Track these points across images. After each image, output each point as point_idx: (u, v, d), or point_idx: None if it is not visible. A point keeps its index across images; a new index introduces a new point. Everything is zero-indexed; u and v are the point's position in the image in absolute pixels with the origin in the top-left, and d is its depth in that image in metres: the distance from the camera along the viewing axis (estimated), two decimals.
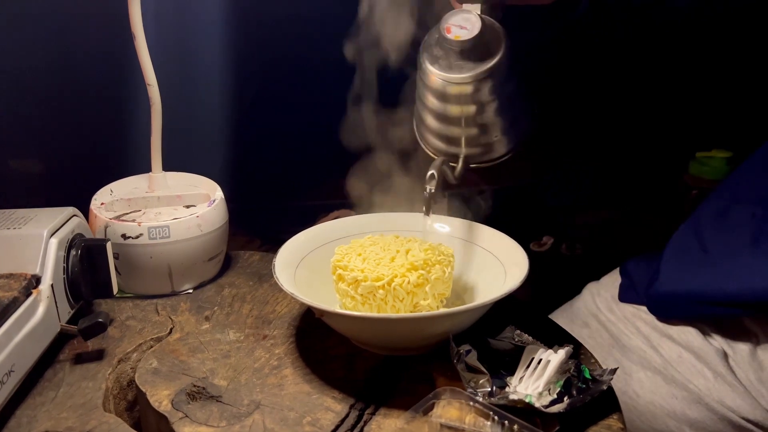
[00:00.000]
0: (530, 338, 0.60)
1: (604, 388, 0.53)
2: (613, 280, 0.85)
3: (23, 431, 0.52)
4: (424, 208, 0.64)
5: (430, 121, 0.67)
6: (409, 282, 0.57)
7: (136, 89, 0.74)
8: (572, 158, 1.19)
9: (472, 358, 0.54)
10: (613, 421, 0.52)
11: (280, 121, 0.93)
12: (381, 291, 0.57)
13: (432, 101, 0.65)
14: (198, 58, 0.89)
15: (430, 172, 0.64)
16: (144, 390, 0.56)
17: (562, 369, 0.54)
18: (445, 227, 0.71)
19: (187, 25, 0.85)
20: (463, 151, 0.67)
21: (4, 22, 0.83)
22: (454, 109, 0.64)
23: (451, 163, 0.67)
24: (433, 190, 0.64)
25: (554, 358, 0.54)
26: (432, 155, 0.70)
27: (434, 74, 0.62)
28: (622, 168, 1.18)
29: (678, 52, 1.03)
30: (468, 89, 0.62)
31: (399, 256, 0.60)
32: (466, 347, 0.55)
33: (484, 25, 0.59)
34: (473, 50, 0.60)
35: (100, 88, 0.89)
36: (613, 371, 0.54)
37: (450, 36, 0.60)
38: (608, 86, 1.08)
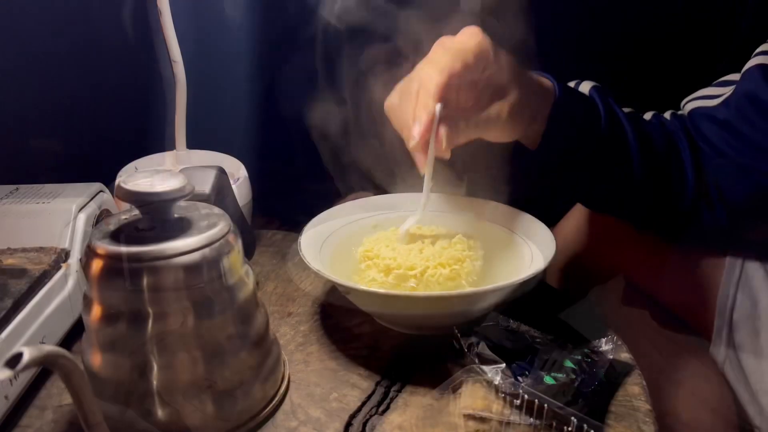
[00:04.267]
0: (521, 324, 0.58)
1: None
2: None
3: (53, 402, 0.52)
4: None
5: None
6: (441, 275, 0.57)
7: (160, 66, 0.74)
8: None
9: (485, 349, 0.53)
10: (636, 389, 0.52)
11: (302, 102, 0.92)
12: (413, 280, 0.57)
13: None
14: (224, 35, 0.89)
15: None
16: None
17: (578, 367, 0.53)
18: (470, 209, 0.70)
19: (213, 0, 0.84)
20: None
21: (27, 1, 0.83)
22: None
23: None
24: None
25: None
26: None
27: None
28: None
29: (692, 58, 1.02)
30: None
31: (426, 247, 0.60)
32: (472, 339, 0.54)
33: None
34: None
35: (125, 65, 0.89)
36: (614, 339, 0.55)
37: None
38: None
